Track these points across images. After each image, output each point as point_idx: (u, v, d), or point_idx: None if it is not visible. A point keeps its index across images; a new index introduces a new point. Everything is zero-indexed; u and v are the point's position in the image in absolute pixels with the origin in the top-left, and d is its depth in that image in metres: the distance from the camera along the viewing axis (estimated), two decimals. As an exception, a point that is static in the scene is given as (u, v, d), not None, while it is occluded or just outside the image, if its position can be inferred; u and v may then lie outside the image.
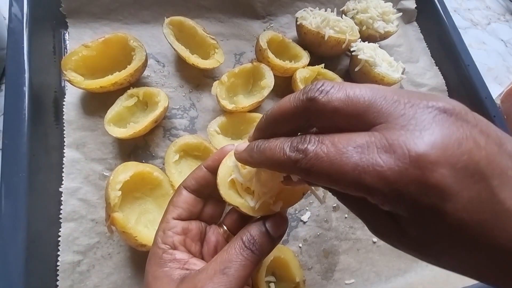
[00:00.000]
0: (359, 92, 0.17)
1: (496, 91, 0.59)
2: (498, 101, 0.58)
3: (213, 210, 0.28)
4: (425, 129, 0.15)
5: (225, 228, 0.27)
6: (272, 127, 0.21)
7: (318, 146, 0.17)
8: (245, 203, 0.24)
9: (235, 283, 0.21)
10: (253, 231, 0.23)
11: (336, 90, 0.18)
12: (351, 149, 0.16)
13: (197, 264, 0.24)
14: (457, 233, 0.15)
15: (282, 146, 0.19)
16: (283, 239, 0.41)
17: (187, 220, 0.26)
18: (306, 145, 0.17)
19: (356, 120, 0.17)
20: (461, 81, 0.55)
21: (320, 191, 0.26)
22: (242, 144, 0.23)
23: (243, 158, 0.23)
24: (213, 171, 0.26)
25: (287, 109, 0.20)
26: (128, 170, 0.34)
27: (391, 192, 0.15)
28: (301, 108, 0.19)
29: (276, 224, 0.24)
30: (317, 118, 0.19)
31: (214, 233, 0.27)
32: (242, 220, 0.27)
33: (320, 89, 0.18)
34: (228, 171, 0.25)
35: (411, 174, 0.14)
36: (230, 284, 0.21)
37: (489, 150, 0.15)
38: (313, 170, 0.17)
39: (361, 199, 0.17)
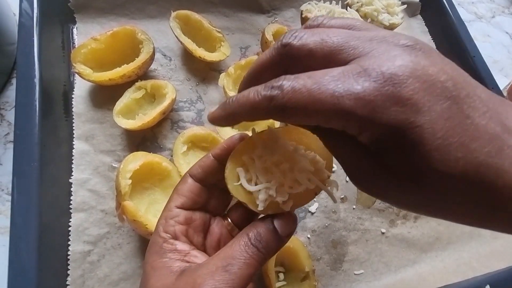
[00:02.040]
0: (333, 34, 0.18)
1: (502, 83, 0.58)
2: (504, 93, 0.58)
3: (219, 201, 0.27)
4: (396, 56, 0.16)
5: (229, 220, 0.26)
6: (252, 85, 0.20)
7: (294, 81, 0.17)
8: (253, 200, 0.23)
9: (237, 282, 0.20)
10: (260, 228, 0.22)
11: (310, 34, 0.18)
12: (328, 78, 0.16)
13: (198, 256, 0.23)
14: (433, 153, 0.15)
15: (257, 89, 0.18)
16: (291, 229, 0.42)
17: (191, 209, 0.25)
18: (281, 82, 0.17)
19: (331, 60, 0.17)
20: (467, 72, 0.54)
21: (333, 190, 0.25)
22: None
23: (216, 115, 0.21)
24: (221, 160, 0.25)
25: (264, 62, 0.20)
26: (138, 159, 0.35)
27: (369, 113, 0.16)
28: (277, 56, 0.19)
29: (285, 223, 0.22)
30: (294, 64, 0.19)
31: (218, 225, 0.26)
32: (248, 214, 0.25)
33: (294, 35, 0.18)
34: (239, 163, 0.24)
35: (386, 91, 0.15)
36: (233, 283, 0.20)
37: (455, 75, 0.16)
38: (289, 105, 0.17)
39: (341, 137, 0.18)
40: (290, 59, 0.19)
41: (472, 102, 0.16)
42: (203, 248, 0.25)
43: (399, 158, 0.16)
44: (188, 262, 0.22)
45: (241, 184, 0.23)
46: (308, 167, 0.23)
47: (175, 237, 0.23)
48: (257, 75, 0.21)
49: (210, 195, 0.26)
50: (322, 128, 0.18)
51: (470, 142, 0.15)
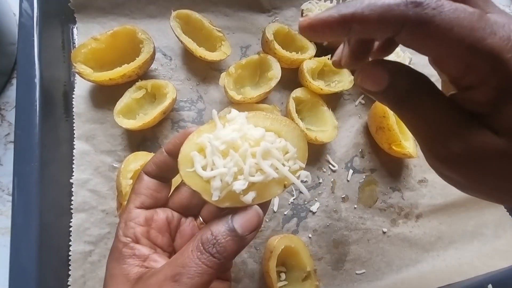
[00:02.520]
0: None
1: (503, 81, 0.58)
2: (506, 92, 0.58)
3: (187, 200, 0.24)
4: None
5: (201, 219, 0.24)
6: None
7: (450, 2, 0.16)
8: (208, 189, 0.19)
9: None
10: (216, 229, 0.19)
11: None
12: (486, 17, 0.16)
13: (158, 261, 0.21)
14: None
15: None
16: (292, 229, 0.41)
17: (153, 207, 0.23)
18: None
19: None
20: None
21: (303, 187, 0.21)
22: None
23: (322, 18, 0.17)
24: (174, 155, 0.23)
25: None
26: (139, 159, 0.35)
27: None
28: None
29: (245, 219, 0.20)
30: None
31: (189, 225, 0.24)
32: (221, 211, 0.23)
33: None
34: (194, 148, 0.21)
35: None
36: None
37: None
38: (437, 20, 0.15)
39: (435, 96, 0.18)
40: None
41: None
42: (170, 249, 0.23)
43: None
44: (147, 267, 0.21)
45: (195, 170, 0.20)
46: (275, 153, 0.20)
47: (136, 240, 0.22)
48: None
49: (176, 193, 0.25)
50: (421, 81, 0.17)
51: None
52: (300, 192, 0.43)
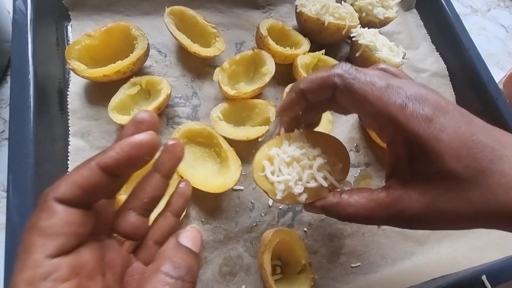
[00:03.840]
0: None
1: (498, 76, 0.58)
2: (500, 86, 0.58)
3: (136, 226, 0.21)
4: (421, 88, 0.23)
5: (121, 238, 0.20)
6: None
7: (362, 72, 0.23)
8: (273, 190, 0.27)
9: None
10: (175, 256, 0.18)
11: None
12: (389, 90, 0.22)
13: None
14: (450, 162, 0.20)
15: (328, 68, 0.24)
16: (288, 223, 0.42)
17: (76, 248, 0.17)
18: (352, 69, 0.23)
19: None
20: (463, 65, 0.54)
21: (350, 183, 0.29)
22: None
23: (287, 100, 0.26)
24: (115, 173, 0.18)
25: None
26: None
27: (407, 121, 0.22)
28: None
29: (192, 238, 0.19)
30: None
31: (114, 254, 0.20)
32: (142, 220, 0.21)
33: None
34: (264, 158, 0.27)
35: (420, 111, 0.22)
36: None
37: (456, 106, 0.23)
38: (354, 87, 0.22)
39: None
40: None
41: (474, 125, 0.21)
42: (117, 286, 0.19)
43: (424, 164, 0.21)
44: None
45: (265, 174, 0.27)
46: (325, 166, 0.27)
47: None
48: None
49: (128, 220, 0.21)
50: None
51: (476, 153, 0.20)
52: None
